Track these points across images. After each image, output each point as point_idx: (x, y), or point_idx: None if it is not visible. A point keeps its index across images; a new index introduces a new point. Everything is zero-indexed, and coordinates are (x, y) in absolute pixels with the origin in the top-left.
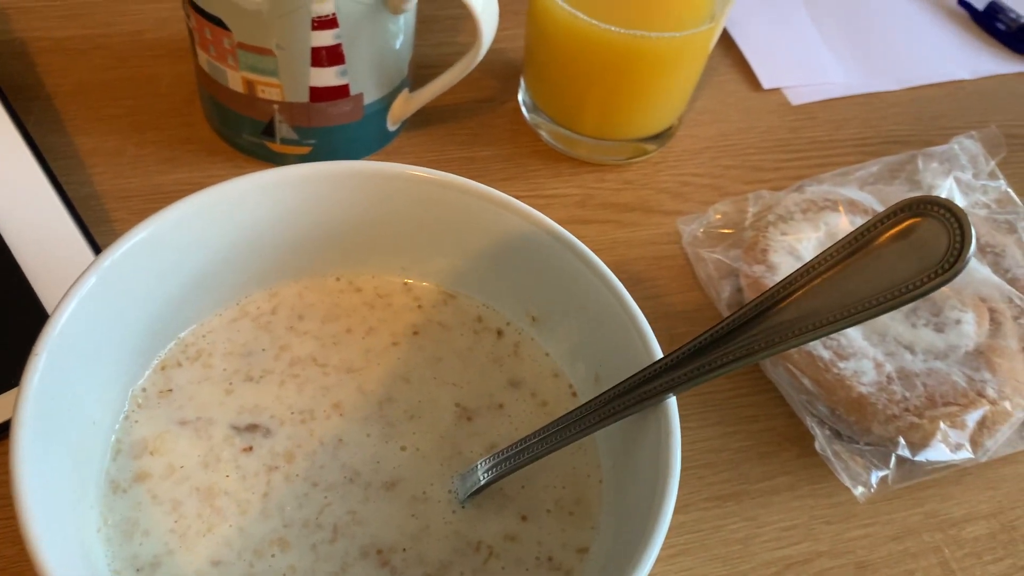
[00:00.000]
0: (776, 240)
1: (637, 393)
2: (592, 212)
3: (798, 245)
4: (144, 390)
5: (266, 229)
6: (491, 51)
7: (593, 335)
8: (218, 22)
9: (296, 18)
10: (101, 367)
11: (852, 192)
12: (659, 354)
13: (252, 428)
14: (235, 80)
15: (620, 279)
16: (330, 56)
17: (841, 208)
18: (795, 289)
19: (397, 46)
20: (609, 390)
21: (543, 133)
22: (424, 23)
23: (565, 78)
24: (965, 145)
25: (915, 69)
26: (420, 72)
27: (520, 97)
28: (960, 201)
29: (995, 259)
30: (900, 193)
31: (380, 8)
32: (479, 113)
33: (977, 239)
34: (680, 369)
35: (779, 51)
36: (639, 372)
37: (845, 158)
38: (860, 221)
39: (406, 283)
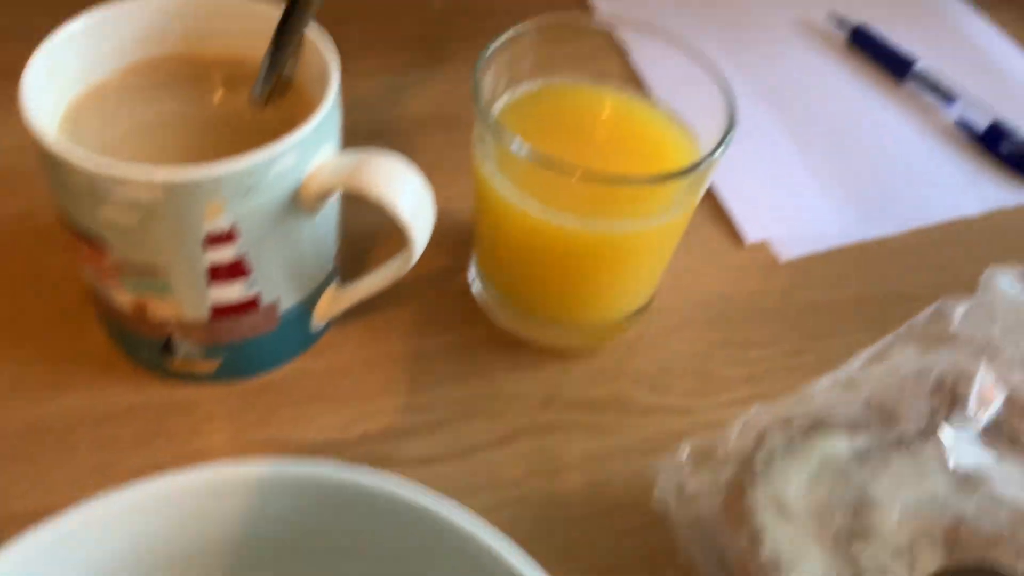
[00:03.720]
0: (762, 493)
1: None
2: (558, 415)
3: (786, 491)
4: None
5: (146, 545)
6: (438, 215)
7: None
8: (94, 240)
9: (185, 237)
10: None
11: (852, 404)
12: None
13: None
14: (122, 300)
15: (595, 510)
16: (231, 271)
17: (836, 432)
18: None
19: (316, 244)
20: None
21: (499, 317)
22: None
23: (519, 265)
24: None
25: (917, 208)
26: (353, 247)
27: (471, 274)
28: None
29: None
30: (909, 389)
31: (291, 211)
32: (424, 292)
33: None
34: None
35: (763, 196)
36: None
37: (847, 325)
38: (861, 445)
39: None
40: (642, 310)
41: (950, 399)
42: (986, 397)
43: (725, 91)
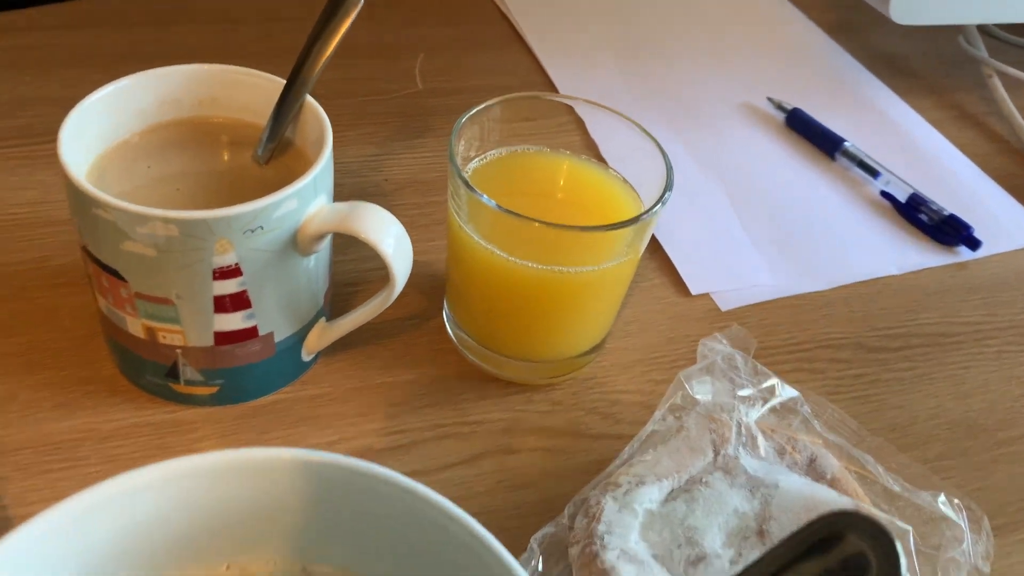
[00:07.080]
0: (611, 554)
1: None
2: (519, 439)
3: (628, 544)
4: None
5: (154, 524)
6: (416, 264)
7: None
8: (114, 272)
9: (196, 270)
10: None
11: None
12: None
13: None
14: (135, 326)
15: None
16: (235, 302)
17: (649, 485)
18: None
19: (309, 283)
20: None
21: (468, 353)
22: (341, 236)
23: (486, 305)
24: (716, 349)
25: (844, 267)
26: (341, 290)
27: (444, 315)
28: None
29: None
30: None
31: (289, 251)
32: (402, 331)
33: (778, 445)
34: None
35: (707, 255)
36: None
37: (779, 366)
38: (670, 489)
39: (305, 568)
40: (595, 349)
41: (720, 439)
42: (728, 434)
43: (664, 160)
